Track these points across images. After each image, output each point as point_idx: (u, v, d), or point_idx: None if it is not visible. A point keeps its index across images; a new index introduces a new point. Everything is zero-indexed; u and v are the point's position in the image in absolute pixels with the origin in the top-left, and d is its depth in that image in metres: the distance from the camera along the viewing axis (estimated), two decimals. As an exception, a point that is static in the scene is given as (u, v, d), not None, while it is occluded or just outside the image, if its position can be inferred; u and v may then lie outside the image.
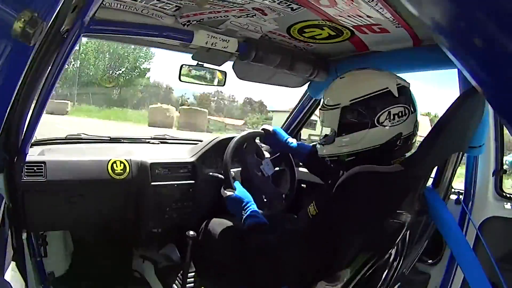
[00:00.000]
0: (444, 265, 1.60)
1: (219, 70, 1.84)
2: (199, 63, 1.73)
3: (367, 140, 1.18)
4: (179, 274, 1.68)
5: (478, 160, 1.53)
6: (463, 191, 1.59)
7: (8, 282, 1.01)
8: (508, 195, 1.53)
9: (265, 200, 1.76)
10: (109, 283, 2.04)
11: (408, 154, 1.25)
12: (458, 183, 1.57)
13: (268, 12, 1.33)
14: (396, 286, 1.33)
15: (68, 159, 1.67)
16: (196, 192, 1.89)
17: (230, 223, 1.60)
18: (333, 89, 1.28)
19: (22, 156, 1.36)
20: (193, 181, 1.89)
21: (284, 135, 1.82)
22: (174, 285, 1.82)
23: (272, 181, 1.86)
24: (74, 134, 2.07)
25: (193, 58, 1.67)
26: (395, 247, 1.20)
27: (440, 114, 1.20)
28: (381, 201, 1.09)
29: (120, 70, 31.11)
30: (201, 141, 2.17)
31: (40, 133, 1.51)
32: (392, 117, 1.16)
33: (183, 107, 24.49)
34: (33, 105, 1.18)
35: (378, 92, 1.17)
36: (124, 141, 2.13)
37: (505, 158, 1.58)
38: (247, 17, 1.40)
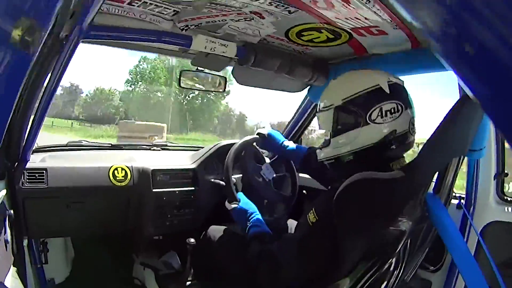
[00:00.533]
0: (445, 272, 1.58)
1: (219, 76, 1.85)
2: (199, 68, 1.74)
3: (361, 139, 1.18)
4: (180, 282, 1.67)
5: (479, 163, 1.52)
6: (464, 196, 1.57)
7: None
8: (509, 199, 1.52)
9: (266, 202, 1.75)
10: None
11: (406, 155, 1.25)
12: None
13: (266, 15, 1.33)
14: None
15: (70, 166, 1.67)
16: (197, 199, 1.89)
17: (230, 231, 1.60)
18: (326, 91, 1.30)
19: (24, 162, 1.37)
20: (194, 188, 1.89)
21: (280, 138, 1.81)
22: None
23: (273, 186, 1.85)
24: (76, 141, 2.08)
25: (192, 63, 1.68)
26: (396, 255, 1.19)
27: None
28: (382, 208, 1.07)
29: (194, 92, 28.27)
30: (202, 147, 2.17)
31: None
32: (384, 114, 1.15)
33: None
34: (34, 112, 1.19)
35: (369, 89, 1.17)
36: (125, 147, 2.14)
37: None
38: (245, 21, 1.40)
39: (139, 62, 31.23)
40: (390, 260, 1.18)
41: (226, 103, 35.26)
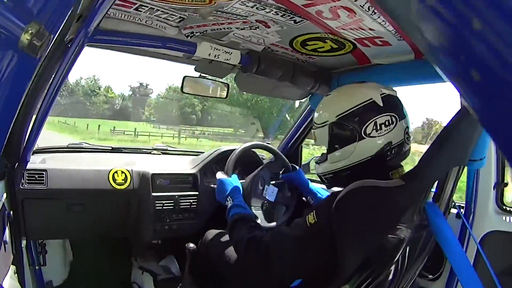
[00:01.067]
0: (444, 281, 1.57)
1: (222, 82, 1.85)
2: (202, 75, 1.74)
3: (357, 153, 1.19)
4: (178, 287, 1.66)
5: (479, 173, 1.52)
6: (464, 205, 1.57)
7: None
8: (509, 209, 1.52)
9: (266, 203, 1.73)
10: None
11: (404, 162, 1.25)
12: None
13: (271, 24, 1.34)
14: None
15: (70, 168, 1.67)
16: (197, 204, 1.89)
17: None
18: (320, 107, 1.30)
19: (24, 163, 1.37)
20: (194, 192, 1.89)
21: (305, 178, 1.83)
22: None
23: (271, 208, 1.80)
24: (76, 143, 2.08)
25: (195, 69, 1.68)
26: (395, 263, 1.19)
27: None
28: (381, 216, 1.07)
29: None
30: (202, 152, 2.17)
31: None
32: (379, 127, 1.17)
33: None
34: (35, 114, 1.20)
35: (363, 104, 1.18)
36: (126, 151, 2.14)
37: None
38: (250, 29, 1.41)
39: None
40: (389, 268, 1.18)
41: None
